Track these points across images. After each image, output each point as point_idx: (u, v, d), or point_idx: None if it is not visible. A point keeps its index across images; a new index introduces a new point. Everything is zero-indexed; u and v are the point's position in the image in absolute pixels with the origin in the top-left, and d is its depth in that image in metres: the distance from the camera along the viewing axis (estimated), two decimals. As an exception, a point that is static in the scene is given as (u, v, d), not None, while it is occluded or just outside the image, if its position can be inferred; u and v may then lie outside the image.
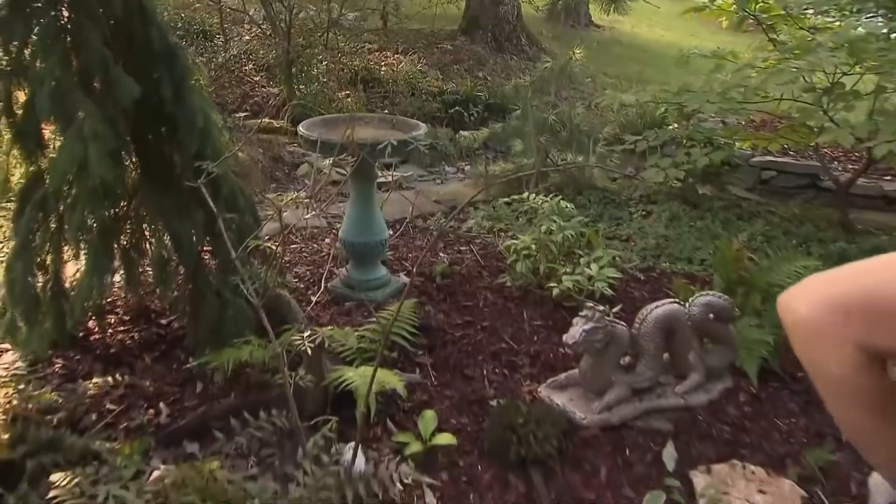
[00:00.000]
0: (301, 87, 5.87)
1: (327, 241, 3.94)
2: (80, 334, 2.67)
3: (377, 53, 7.69)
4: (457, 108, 7.03)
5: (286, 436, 2.22)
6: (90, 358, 2.57)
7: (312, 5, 5.69)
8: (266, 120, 5.86)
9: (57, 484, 1.77)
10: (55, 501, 1.73)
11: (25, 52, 2.20)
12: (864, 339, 0.85)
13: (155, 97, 2.25)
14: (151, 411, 2.31)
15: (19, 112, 2.28)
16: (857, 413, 0.99)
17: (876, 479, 1.36)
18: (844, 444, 2.62)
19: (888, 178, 5.12)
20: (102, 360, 2.57)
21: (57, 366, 2.47)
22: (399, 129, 3.23)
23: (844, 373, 0.90)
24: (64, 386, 2.35)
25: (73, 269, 2.61)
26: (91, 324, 2.75)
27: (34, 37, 2.16)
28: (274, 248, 2.74)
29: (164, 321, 2.85)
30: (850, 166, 5.25)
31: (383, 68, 7.35)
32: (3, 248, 3.55)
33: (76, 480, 1.75)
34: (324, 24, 5.58)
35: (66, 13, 2.13)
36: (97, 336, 2.71)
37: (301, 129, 2.91)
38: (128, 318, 2.83)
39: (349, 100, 6.21)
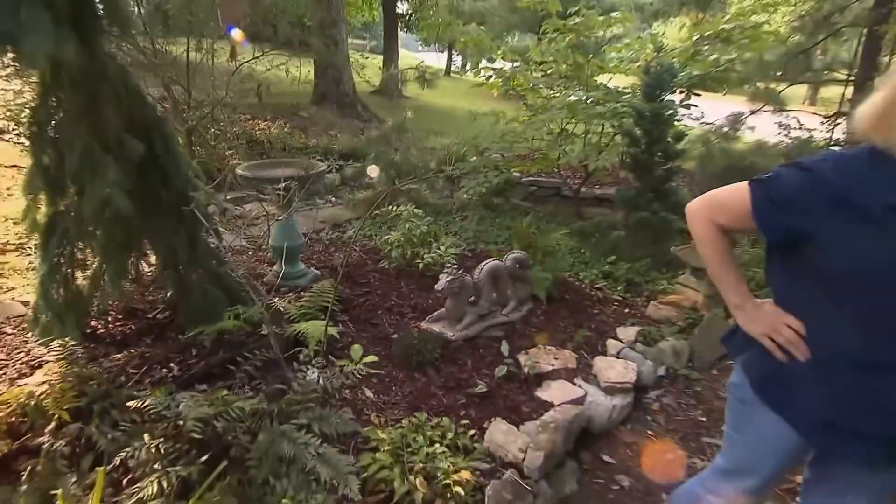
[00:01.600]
0: (197, 148, 5.69)
1: (249, 253, 3.88)
2: (87, 331, 2.57)
3: (252, 121, 7.42)
4: (318, 157, 6.96)
5: (266, 370, 2.35)
6: (103, 345, 2.51)
7: (202, 87, 5.55)
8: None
9: (136, 406, 1.91)
10: (145, 407, 1.88)
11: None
12: (712, 218, 1.27)
13: (151, 152, 2.26)
14: (164, 370, 2.32)
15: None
16: (711, 258, 1.34)
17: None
18: (594, 328, 3.19)
19: (597, 186, 5.70)
20: (112, 345, 2.52)
21: (79, 353, 2.38)
22: (303, 168, 3.26)
23: (706, 234, 1.30)
24: (91, 364, 2.29)
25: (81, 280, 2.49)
26: (94, 323, 2.66)
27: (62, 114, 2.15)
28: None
29: (150, 315, 2.78)
30: (577, 181, 5.80)
31: (258, 132, 7.11)
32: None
33: (147, 401, 1.91)
34: (213, 102, 5.47)
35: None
36: (102, 330, 2.64)
37: (239, 170, 2.96)
38: (120, 316, 2.75)
39: (236, 158, 5.95)
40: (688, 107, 4.62)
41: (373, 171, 4.95)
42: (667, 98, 4.29)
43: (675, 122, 4.42)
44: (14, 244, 3.58)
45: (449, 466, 1.94)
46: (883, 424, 1.22)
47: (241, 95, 6.26)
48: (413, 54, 19.98)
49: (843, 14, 6.54)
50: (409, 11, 14.76)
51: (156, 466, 1.71)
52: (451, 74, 19.36)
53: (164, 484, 1.63)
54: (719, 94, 7.39)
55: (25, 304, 2.78)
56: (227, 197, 4.66)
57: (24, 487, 1.67)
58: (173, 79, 4.81)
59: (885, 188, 1.06)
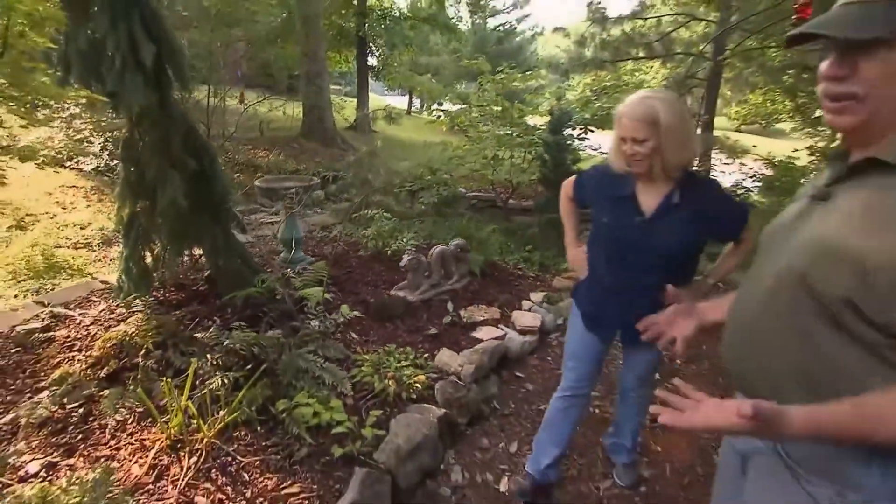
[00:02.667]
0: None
1: (261, 247, 4.12)
2: (152, 298, 2.84)
3: (254, 150, 7.58)
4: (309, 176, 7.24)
5: (281, 320, 2.66)
6: (164, 307, 2.78)
7: (219, 124, 5.81)
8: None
9: (200, 338, 2.32)
10: (205, 338, 2.28)
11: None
12: (566, 193, 1.74)
13: (200, 168, 2.62)
14: (210, 322, 2.59)
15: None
16: (563, 215, 1.78)
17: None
18: (514, 293, 3.65)
19: (523, 200, 6.03)
20: (170, 307, 2.79)
21: (150, 310, 2.66)
22: (302, 181, 3.80)
23: (563, 202, 1.77)
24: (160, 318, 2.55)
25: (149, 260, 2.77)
26: (155, 293, 2.91)
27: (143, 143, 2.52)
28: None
29: (194, 287, 3.06)
30: (506, 195, 5.99)
31: (259, 158, 7.31)
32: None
33: (207, 334, 2.33)
34: (225, 136, 5.76)
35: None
36: (161, 298, 2.90)
37: (258, 183, 3.40)
38: (173, 288, 3.02)
39: (242, 178, 6.18)
40: (582, 139, 5.29)
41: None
42: (566, 132, 4.95)
43: (574, 150, 5.08)
44: (83, 243, 3.89)
45: (411, 374, 2.44)
46: (613, 317, 1.67)
47: (247, 130, 6.56)
48: (380, 97, 20.42)
49: (695, 76, 7.53)
50: (378, 65, 15.19)
51: (216, 374, 2.15)
52: (412, 113, 19.88)
53: (224, 381, 2.08)
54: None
55: (103, 282, 3.13)
56: (239, 209, 5.00)
57: (131, 387, 2.09)
58: (196, 118, 5.12)
59: (613, 184, 1.56)
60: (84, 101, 3.85)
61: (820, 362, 0.77)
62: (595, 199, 1.66)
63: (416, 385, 2.34)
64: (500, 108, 5.60)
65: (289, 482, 1.76)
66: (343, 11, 12.93)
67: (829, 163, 0.89)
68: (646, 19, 8.83)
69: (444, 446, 2.18)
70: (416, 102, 21.75)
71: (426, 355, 2.68)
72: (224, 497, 1.66)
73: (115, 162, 5.23)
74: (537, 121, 6.18)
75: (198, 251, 3.13)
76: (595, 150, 6.57)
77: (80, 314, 2.72)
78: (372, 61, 14.99)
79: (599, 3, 9.26)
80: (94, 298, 2.91)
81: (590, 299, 1.76)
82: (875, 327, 0.72)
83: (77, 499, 1.02)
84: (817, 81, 0.81)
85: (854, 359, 0.74)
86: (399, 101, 20.42)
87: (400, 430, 2.03)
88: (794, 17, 3.06)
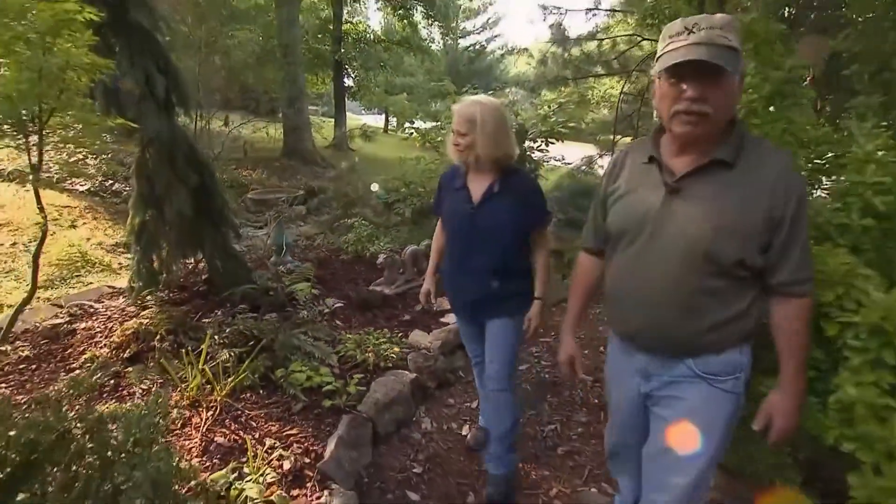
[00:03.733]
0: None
1: (249, 255, 4.59)
2: (160, 296, 3.14)
3: (238, 169, 7.86)
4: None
5: (275, 309, 3.09)
6: (168, 304, 3.09)
7: (206, 145, 6.16)
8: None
9: (206, 323, 2.74)
10: (210, 323, 2.68)
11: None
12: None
13: (202, 182, 3.02)
14: (212, 314, 2.89)
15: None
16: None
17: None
18: None
19: None
20: (174, 304, 3.10)
21: (157, 308, 3.00)
22: (290, 193, 4.25)
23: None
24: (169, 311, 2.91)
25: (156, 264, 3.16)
26: (160, 294, 3.19)
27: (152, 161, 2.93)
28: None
29: (194, 288, 3.37)
30: None
31: (243, 177, 7.64)
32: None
33: (212, 319, 2.75)
34: (211, 157, 6.15)
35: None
36: (166, 297, 3.19)
37: (250, 195, 3.83)
38: (175, 289, 3.31)
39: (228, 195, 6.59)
40: (542, 150, 5.84)
41: (374, 186, 5.66)
42: (526, 145, 5.50)
43: (535, 160, 5.64)
44: (83, 260, 4.25)
45: (388, 348, 2.90)
46: (464, 295, 1.92)
47: (231, 151, 6.95)
48: (357, 116, 20.97)
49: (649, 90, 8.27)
50: (354, 86, 15.78)
51: (223, 350, 2.57)
52: (388, 132, 20.49)
53: (230, 356, 2.50)
54: (580, 142, 8.86)
55: (110, 287, 3.51)
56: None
57: (151, 365, 2.50)
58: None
59: (452, 179, 1.87)
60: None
61: (713, 301, 1.13)
62: (443, 194, 1.96)
63: (392, 356, 2.80)
64: (467, 125, 6.11)
65: (289, 427, 2.20)
66: (319, 36, 13.54)
67: (648, 156, 1.19)
68: (601, 40, 9.62)
69: (416, 403, 2.63)
70: (393, 121, 22.37)
71: (401, 335, 3.13)
72: (237, 438, 2.09)
73: (110, 182, 5.59)
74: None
75: (196, 258, 3.53)
76: (559, 160, 7.17)
77: (103, 306, 3.11)
78: (348, 82, 15.56)
79: (561, 24, 10.06)
80: (104, 300, 3.29)
81: (446, 285, 2.02)
82: (748, 269, 1.09)
83: (138, 411, 1.43)
84: (668, 103, 1.07)
85: (732, 292, 1.11)
86: (375, 120, 20.99)
87: (378, 388, 2.49)
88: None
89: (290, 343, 2.72)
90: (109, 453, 1.28)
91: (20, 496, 1.15)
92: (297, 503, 1.77)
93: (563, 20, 10.01)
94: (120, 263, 4.49)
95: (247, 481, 1.78)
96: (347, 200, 5.72)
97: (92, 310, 3.16)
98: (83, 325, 2.93)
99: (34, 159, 1.95)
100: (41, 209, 2.12)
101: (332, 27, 13.35)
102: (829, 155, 1.57)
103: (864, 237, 1.42)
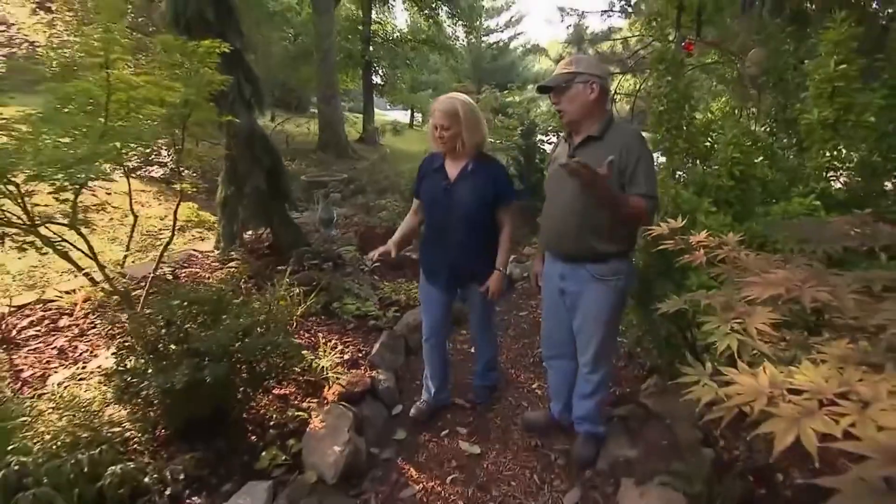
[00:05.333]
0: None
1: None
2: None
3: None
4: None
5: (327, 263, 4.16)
6: (244, 261, 4.03)
7: None
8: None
9: (282, 270, 3.65)
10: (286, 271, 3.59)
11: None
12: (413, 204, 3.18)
13: (273, 164, 3.99)
14: (282, 267, 3.77)
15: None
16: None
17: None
18: None
19: None
20: (250, 256, 4.02)
21: (239, 262, 3.94)
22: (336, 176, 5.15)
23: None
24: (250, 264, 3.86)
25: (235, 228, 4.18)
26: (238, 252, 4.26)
27: (236, 148, 3.92)
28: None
29: (260, 252, 4.24)
30: None
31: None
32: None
33: (288, 269, 3.66)
34: None
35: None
36: (241, 256, 4.08)
37: (303, 178, 4.72)
38: (247, 253, 4.17)
39: None
40: (550, 144, 6.63)
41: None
42: (535, 139, 6.30)
43: (543, 152, 6.43)
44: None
45: (416, 293, 3.77)
46: (440, 265, 2.14)
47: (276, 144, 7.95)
48: (383, 112, 21.90)
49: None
50: (382, 82, 16.72)
51: (294, 287, 3.46)
52: (413, 127, 21.32)
53: (299, 292, 3.39)
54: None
55: (195, 251, 4.46)
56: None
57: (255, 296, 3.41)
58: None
59: (431, 162, 2.15)
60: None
61: (596, 217, 1.79)
62: (423, 176, 2.20)
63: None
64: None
65: (346, 337, 3.08)
66: (349, 37, 14.51)
67: (563, 141, 2.05)
68: (614, 41, 10.26)
69: (437, 331, 3.48)
70: (418, 116, 23.24)
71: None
72: (312, 339, 2.98)
73: (181, 169, 6.59)
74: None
75: (262, 227, 4.45)
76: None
77: (195, 262, 4.06)
78: (376, 79, 16.47)
79: (579, 23, 10.76)
80: (194, 261, 4.24)
81: (424, 255, 2.25)
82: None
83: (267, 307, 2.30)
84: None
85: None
86: (402, 116, 21.86)
87: (409, 316, 3.35)
88: (683, 50, 4.42)
89: (341, 285, 3.61)
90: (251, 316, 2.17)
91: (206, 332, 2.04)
92: (356, 375, 2.64)
93: (580, 21, 10.66)
94: (193, 235, 5.47)
95: (322, 360, 2.67)
96: (380, 187, 6.56)
97: (187, 264, 4.11)
98: (185, 272, 3.88)
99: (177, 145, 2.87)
100: (181, 178, 3.03)
101: (361, 28, 14.28)
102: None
103: (730, 194, 2.20)
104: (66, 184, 1.81)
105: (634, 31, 10.99)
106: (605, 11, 10.40)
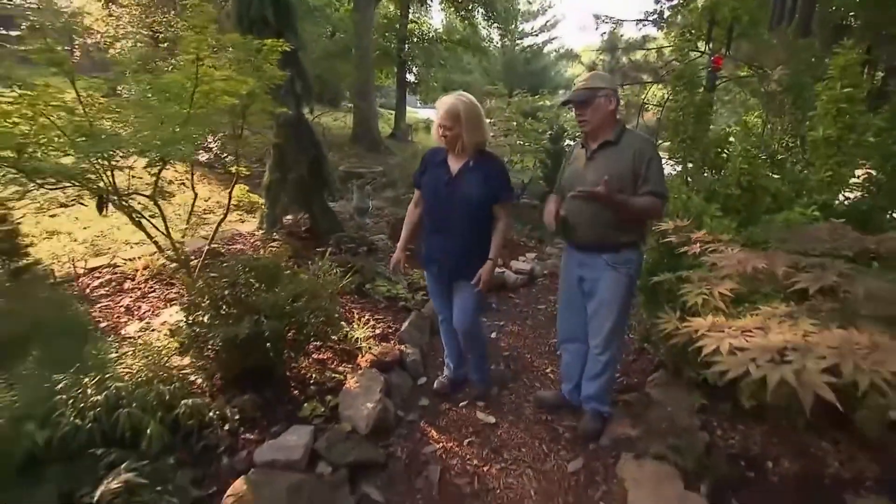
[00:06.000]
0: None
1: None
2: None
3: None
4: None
5: (362, 249, 4.47)
6: (285, 242, 4.47)
7: None
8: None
9: (320, 252, 3.97)
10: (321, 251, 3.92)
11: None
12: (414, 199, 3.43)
13: (315, 154, 4.38)
14: (320, 249, 4.09)
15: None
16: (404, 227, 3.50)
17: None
18: (515, 253, 5.33)
19: (532, 198, 7.91)
20: (290, 237, 4.34)
21: (280, 243, 4.33)
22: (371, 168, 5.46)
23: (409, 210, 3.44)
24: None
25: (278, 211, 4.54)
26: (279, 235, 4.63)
27: (286, 138, 4.27)
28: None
29: (299, 235, 4.58)
30: (520, 190, 8.01)
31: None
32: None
33: (326, 251, 3.98)
34: None
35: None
36: (282, 239, 4.52)
37: (341, 168, 5.06)
38: (287, 235, 4.57)
39: None
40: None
41: None
42: (563, 144, 6.52)
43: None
44: (221, 208, 5.65)
45: (441, 281, 4.05)
46: (438, 255, 2.22)
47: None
48: (414, 109, 22.27)
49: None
50: (415, 81, 17.08)
51: (333, 264, 3.78)
52: (444, 126, 21.47)
53: (336, 271, 3.71)
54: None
55: (236, 230, 4.84)
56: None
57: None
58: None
59: (434, 156, 2.24)
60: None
61: (606, 214, 2.05)
62: (425, 169, 2.28)
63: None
64: (515, 123, 7.19)
65: (378, 315, 3.38)
66: (386, 34, 14.89)
67: (579, 145, 2.28)
68: (648, 50, 10.36)
69: (459, 317, 3.75)
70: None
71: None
72: (347, 314, 3.29)
73: (225, 155, 7.05)
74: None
75: (302, 213, 4.79)
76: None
77: (239, 241, 4.43)
78: (409, 77, 16.84)
79: (614, 30, 10.87)
80: (239, 239, 4.61)
81: (426, 244, 2.33)
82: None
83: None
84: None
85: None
86: (432, 114, 22.10)
87: (434, 300, 3.64)
88: (712, 64, 4.59)
89: (374, 269, 3.91)
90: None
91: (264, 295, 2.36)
92: (387, 347, 2.94)
93: (615, 29, 10.77)
94: (232, 218, 5.86)
95: (356, 332, 2.97)
96: (410, 182, 6.85)
97: (232, 242, 4.48)
98: (232, 248, 4.25)
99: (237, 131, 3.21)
100: (238, 161, 3.38)
101: (398, 27, 14.65)
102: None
103: (738, 202, 2.41)
104: (156, 161, 2.14)
105: (669, 41, 11.04)
106: (640, 21, 10.51)
